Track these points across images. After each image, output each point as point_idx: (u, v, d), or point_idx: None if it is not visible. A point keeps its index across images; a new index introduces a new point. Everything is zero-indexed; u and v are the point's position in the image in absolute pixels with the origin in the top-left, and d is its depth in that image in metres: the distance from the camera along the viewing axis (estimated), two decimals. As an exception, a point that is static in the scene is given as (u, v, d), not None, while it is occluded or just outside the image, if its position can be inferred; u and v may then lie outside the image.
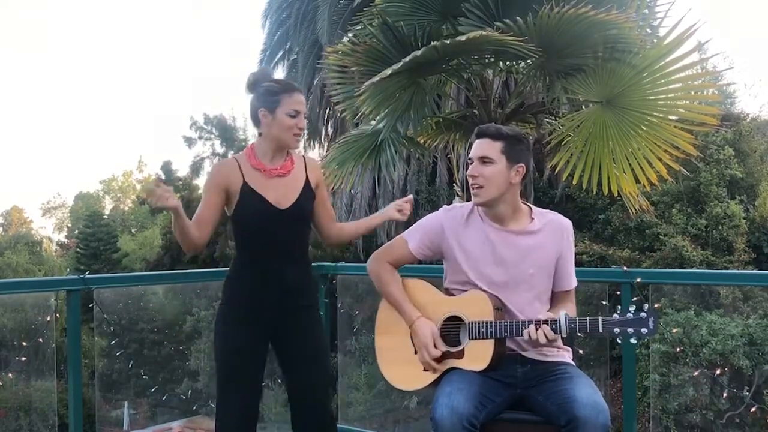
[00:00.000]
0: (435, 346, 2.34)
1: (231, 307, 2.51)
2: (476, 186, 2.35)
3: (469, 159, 2.41)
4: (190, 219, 2.42)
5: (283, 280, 2.46)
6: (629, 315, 2.19)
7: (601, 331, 2.21)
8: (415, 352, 2.42)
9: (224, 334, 2.51)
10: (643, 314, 2.19)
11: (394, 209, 2.74)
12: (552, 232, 2.41)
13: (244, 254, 2.52)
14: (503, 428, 2.29)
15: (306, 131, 16.34)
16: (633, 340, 2.21)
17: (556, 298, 2.46)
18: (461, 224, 2.44)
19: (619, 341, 2.22)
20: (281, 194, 2.47)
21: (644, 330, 2.18)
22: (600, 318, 2.22)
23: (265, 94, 2.47)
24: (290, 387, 2.53)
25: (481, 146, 2.37)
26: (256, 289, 2.46)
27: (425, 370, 2.39)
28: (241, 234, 2.52)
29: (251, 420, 2.47)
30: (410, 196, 2.82)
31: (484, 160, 2.34)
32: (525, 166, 2.38)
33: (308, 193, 2.53)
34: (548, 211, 2.49)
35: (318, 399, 2.51)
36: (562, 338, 2.41)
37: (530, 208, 2.46)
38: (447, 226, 2.45)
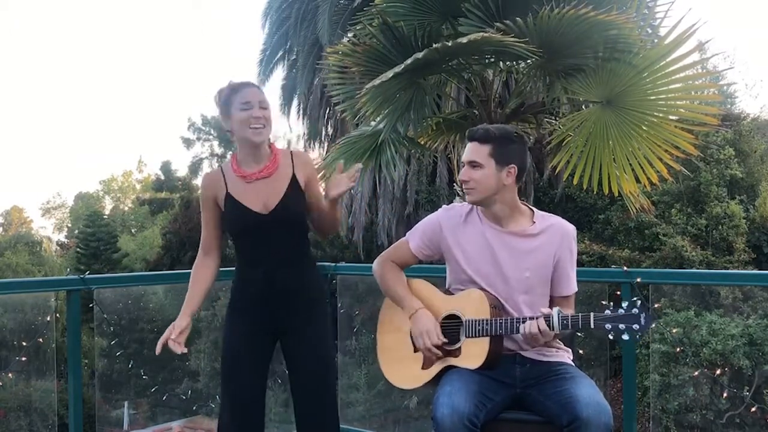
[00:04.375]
0: (436, 335, 2.35)
1: (233, 311, 2.51)
2: (467, 188, 2.39)
3: (462, 162, 2.43)
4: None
5: (278, 283, 2.42)
6: (621, 311, 2.18)
7: (592, 326, 2.20)
8: (415, 351, 2.44)
9: (228, 337, 2.49)
10: (635, 310, 2.17)
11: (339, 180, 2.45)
12: (552, 236, 2.40)
13: (239, 260, 2.51)
14: (504, 428, 2.30)
15: (306, 131, 16.34)
16: (625, 337, 2.18)
17: (553, 303, 2.44)
18: (459, 223, 2.45)
19: (611, 337, 2.20)
20: (264, 198, 2.41)
21: (636, 326, 2.16)
22: (592, 314, 2.21)
23: (221, 102, 2.46)
24: (294, 403, 2.49)
25: (469, 150, 2.40)
26: (253, 294, 2.45)
27: (424, 367, 2.41)
28: (233, 242, 2.52)
29: (254, 419, 2.44)
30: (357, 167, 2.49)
31: (473, 164, 2.38)
32: (517, 166, 2.38)
33: (295, 192, 2.44)
34: (552, 215, 2.48)
35: (320, 403, 2.47)
36: (563, 340, 2.41)
37: (532, 210, 2.46)
38: (445, 225, 2.46)
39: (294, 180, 2.45)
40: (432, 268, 2.88)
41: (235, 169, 2.45)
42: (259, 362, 2.48)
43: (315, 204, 2.50)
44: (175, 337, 2.39)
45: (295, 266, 2.46)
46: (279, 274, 2.42)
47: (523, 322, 2.26)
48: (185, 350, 2.36)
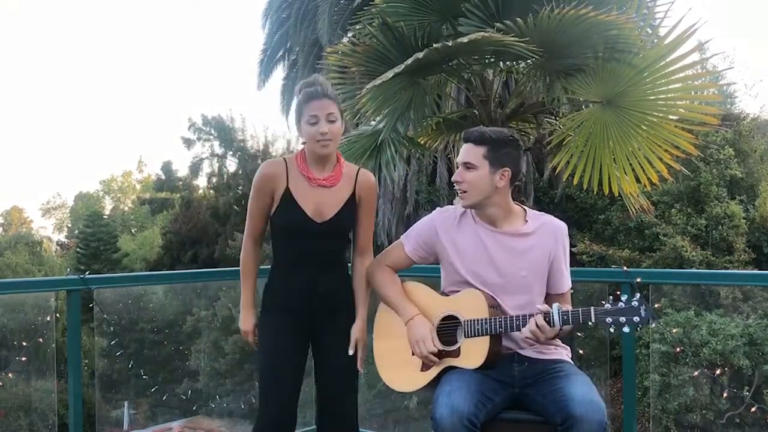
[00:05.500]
0: (432, 344, 2.36)
1: (269, 314, 2.53)
2: (461, 191, 2.40)
3: (456, 163, 2.44)
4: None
5: (315, 289, 2.47)
6: (621, 304, 2.21)
7: (593, 321, 2.22)
8: (413, 353, 2.43)
9: (264, 340, 2.52)
10: (635, 303, 2.20)
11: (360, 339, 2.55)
12: (545, 234, 2.42)
13: (278, 260, 2.53)
14: (503, 428, 2.30)
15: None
16: (626, 329, 2.21)
17: (550, 301, 2.44)
18: (454, 225, 2.46)
19: (612, 331, 2.23)
20: (321, 206, 2.44)
21: (636, 318, 2.19)
22: (592, 308, 2.23)
23: (296, 105, 2.48)
24: (318, 392, 2.54)
25: (464, 151, 2.41)
26: (298, 294, 2.47)
27: (422, 369, 2.41)
28: (277, 240, 2.53)
29: (290, 420, 2.47)
30: None
31: (467, 165, 2.39)
32: (511, 170, 2.39)
33: (351, 208, 2.49)
34: (543, 213, 2.50)
35: (344, 407, 2.51)
36: (561, 338, 2.41)
37: (524, 210, 2.47)
38: (440, 227, 2.47)
39: (353, 197, 2.49)
40: (428, 268, 2.88)
41: (303, 167, 2.46)
42: (300, 363, 2.51)
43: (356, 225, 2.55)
44: (252, 340, 2.57)
45: (335, 271, 2.52)
46: (322, 279, 2.46)
47: (523, 320, 2.27)
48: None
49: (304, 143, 2.51)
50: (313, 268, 2.46)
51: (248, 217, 2.53)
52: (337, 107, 2.44)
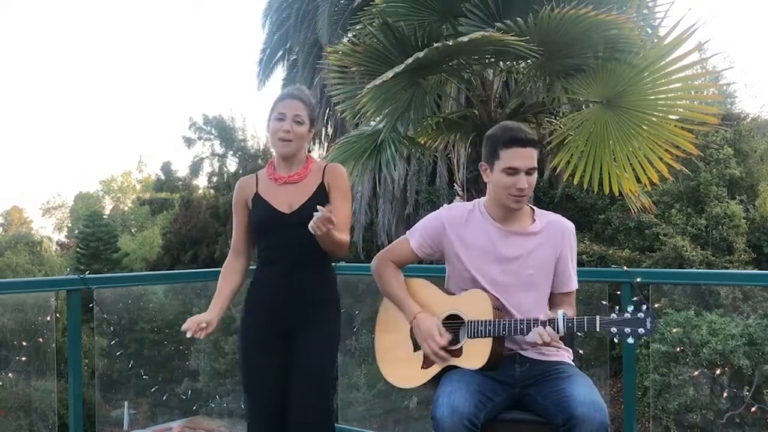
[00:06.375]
0: (440, 336, 2.35)
1: (246, 312, 2.55)
2: (525, 196, 2.33)
3: (512, 169, 2.29)
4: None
5: (293, 283, 2.44)
6: (627, 315, 2.21)
7: (598, 330, 2.22)
8: (414, 350, 2.44)
9: (240, 339, 2.54)
10: (640, 314, 2.19)
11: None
12: (553, 234, 2.42)
13: (258, 261, 2.56)
14: (503, 428, 2.30)
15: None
16: (630, 340, 2.21)
17: (555, 300, 2.46)
18: (462, 222, 2.46)
19: (617, 341, 2.24)
20: (290, 199, 2.47)
21: (641, 330, 2.19)
22: (597, 317, 2.23)
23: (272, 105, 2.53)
24: (288, 393, 2.47)
25: (528, 156, 2.30)
26: (269, 293, 2.48)
27: (423, 366, 2.41)
28: (255, 240, 2.58)
29: (274, 425, 2.44)
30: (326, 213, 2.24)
31: (530, 171, 2.32)
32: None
33: (321, 196, 2.47)
34: (550, 212, 2.50)
35: (309, 411, 2.41)
36: (562, 339, 2.42)
37: (532, 209, 2.47)
38: (448, 224, 2.46)
39: (321, 186, 2.50)
40: (432, 267, 2.88)
41: (270, 172, 2.54)
42: (278, 365, 2.47)
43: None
44: (200, 328, 2.44)
45: (312, 268, 2.47)
46: (295, 274, 2.44)
47: (527, 324, 2.27)
48: (201, 336, 2.44)
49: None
50: (287, 264, 2.43)
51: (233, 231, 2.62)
52: (307, 112, 2.47)
